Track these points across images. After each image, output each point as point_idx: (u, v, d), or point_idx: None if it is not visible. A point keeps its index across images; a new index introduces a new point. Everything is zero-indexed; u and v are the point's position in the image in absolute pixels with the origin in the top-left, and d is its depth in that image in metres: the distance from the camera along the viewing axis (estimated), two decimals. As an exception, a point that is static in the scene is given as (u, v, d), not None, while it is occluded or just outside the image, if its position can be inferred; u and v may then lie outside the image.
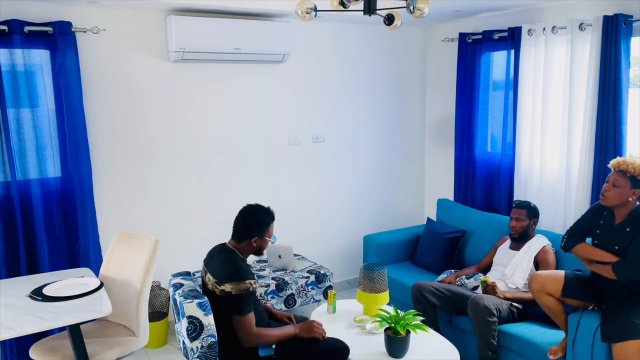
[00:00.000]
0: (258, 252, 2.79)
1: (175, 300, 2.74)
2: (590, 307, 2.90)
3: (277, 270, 3.97)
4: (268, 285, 3.69)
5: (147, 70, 3.79)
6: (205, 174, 4.12)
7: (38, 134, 3.42)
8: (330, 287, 3.91)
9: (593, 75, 3.52)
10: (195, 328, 2.53)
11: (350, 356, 2.72)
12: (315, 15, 2.40)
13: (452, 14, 4.29)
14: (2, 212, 3.33)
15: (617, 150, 3.46)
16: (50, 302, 2.56)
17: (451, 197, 4.79)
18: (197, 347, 2.54)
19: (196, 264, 3.68)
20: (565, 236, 2.99)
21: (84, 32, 3.52)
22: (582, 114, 3.63)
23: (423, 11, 2.24)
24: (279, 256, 3.97)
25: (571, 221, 3.64)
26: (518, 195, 4.09)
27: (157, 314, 3.80)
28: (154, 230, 3.82)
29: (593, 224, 2.93)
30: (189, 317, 2.53)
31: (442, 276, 3.81)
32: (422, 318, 2.82)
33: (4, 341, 3.34)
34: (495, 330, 3.13)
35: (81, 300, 2.60)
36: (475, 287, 3.54)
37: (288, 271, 3.94)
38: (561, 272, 3.02)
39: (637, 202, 2.80)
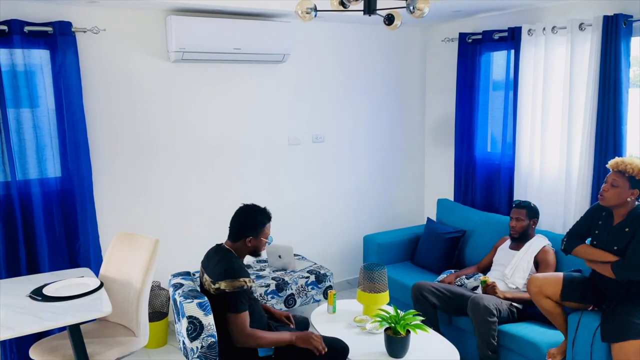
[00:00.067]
0: (254, 252, 2.76)
1: (175, 300, 2.74)
2: (590, 308, 2.91)
3: (277, 270, 3.97)
4: (268, 285, 3.69)
5: (147, 70, 3.79)
6: (205, 174, 4.12)
7: (38, 134, 3.42)
8: (330, 287, 3.91)
9: (593, 75, 3.52)
10: (195, 328, 2.53)
11: (350, 356, 2.72)
12: (315, 15, 2.40)
13: (452, 14, 4.29)
14: (2, 212, 3.33)
15: (617, 150, 3.46)
16: (50, 302, 2.56)
17: (451, 197, 4.79)
18: (197, 347, 2.54)
19: (196, 264, 3.67)
20: (565, 239, 2.99)
21: (84, 32, 3.53)
22: (582, 114, 3.63)
23: (423, 11, 2.25)
24: (279, 256, 3.97)
25: (571, 221, 3.64)
26: (518, 195, 4.09)
27: (157, 314, 3.80)
28: (154, 230, 3.82)
29: (592, 225, 2.93)
30: (189, 317, 2.53)
31: (442, 276, 3.82)
32: (422, 318, 2.82)
33: (4, 341, 3.34)
34: (495, 330, 3.13)
35: (81, 300, 2.60)
36: (475, 287, 3.54)
37: (288, 271, 3.94)
38: (559, 275, 3.02)
39: (636, 202, 2.80)
